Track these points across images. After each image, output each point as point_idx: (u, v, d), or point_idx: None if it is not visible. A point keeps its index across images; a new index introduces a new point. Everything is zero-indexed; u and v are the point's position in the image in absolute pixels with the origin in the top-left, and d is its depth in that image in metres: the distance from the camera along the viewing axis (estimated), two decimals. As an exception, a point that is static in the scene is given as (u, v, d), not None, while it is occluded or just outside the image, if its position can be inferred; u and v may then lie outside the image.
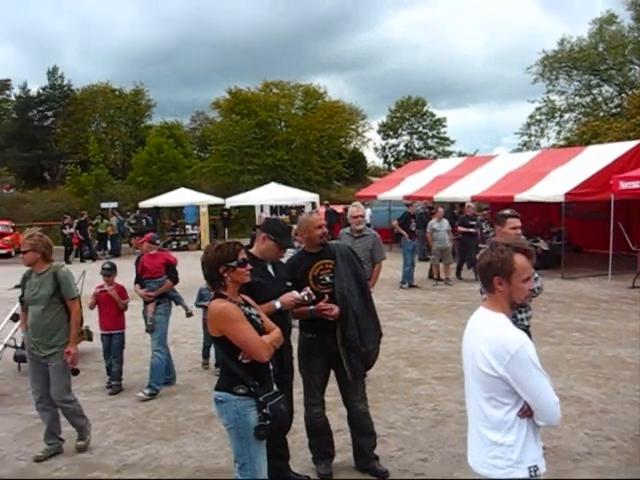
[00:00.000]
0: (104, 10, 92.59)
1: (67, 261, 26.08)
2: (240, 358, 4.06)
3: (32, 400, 6.50)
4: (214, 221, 32.63)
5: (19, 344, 9.25)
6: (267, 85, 49.91)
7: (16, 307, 9.49)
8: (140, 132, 50.29)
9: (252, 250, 5.06)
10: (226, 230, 32.15)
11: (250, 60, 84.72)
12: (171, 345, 8.84)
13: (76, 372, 6.34)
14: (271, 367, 4.21)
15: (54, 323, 6.14)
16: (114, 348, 8.52)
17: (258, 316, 4.23)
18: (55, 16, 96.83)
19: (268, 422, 4.02)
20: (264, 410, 4.02)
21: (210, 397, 7.88)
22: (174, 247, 29.75)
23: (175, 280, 8.61)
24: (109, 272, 8.61)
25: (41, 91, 51.42)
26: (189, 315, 9.31)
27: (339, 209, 28.81)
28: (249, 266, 4.23)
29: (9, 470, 6.18)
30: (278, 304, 4.85)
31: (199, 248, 30.07)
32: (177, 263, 8.74)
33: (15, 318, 9.25)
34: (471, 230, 17.72)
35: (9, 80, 54.54)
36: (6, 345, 8.91)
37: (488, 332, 3.09)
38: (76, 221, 27.99)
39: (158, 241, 8.77)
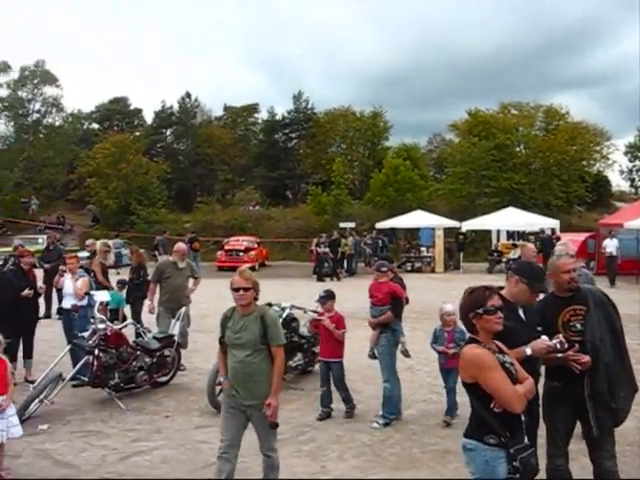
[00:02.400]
0: (342, 35, 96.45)
1: (319, 277, 27.39)
2: (492, 406, 3.93)
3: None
4: (449, 244, 32.39)
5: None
6: (504, 106, 48.84)
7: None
8: (377, 153, 51.35)
9: (503, 292, 4.89)
10: (461, 254, 31.77)
11: (486, 80, 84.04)
12: (406, 371, 8.79)
13: (275, 426, 5.65)
14: (523, 419, 4.03)
15: (260, 370, 5.56)
16: (335, 378, 8.50)
17: (512, 364, 4.07)
18: (299, 43, 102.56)
19: (518, 475, 3.85)
20: (514, 463, 3.86)
21: (445, 432, 7.90)
22: (408, 269, 30.01)
23: (397, 314, 8.39)
24: (324, 300, 8.63)
25: (286, 114, 54.51)
26: (406, 355, 8.77)
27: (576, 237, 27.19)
28: (499, 314, 4.08)
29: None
30: (529, 351, 4.64)
31: (433, 271, 30.06)
32: (404, 296, 8.56)
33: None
34: None
35: (257, 104, 58.78)
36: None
37: None
38: (327, 240, 28.96)
39: (384, 269, 8.60)
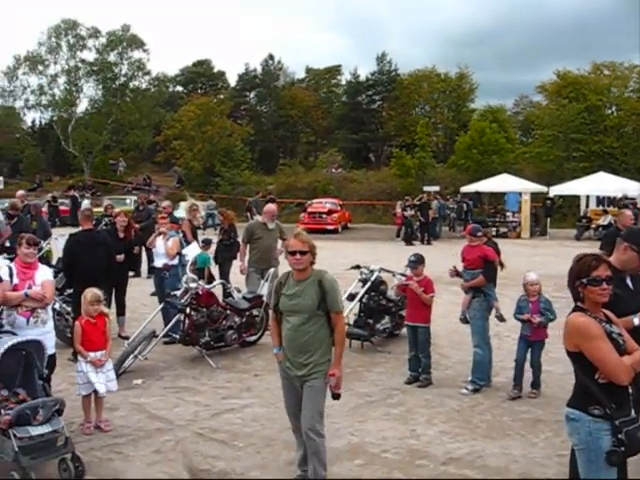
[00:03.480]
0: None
1: (409, 241, 26.97)
2: (596, 377, 3.79)
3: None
4: (536, 209, 31.58)
5: (351, 322, 9.79)
6: (597, 67, 46.90)
7: (353, 286, 10.02)
8: (462, 116, 50.38)
9: (611, 259, 4.68)
10: (548, 220, 30.94)
11: (578, 40, 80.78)
12: (494, 338, 8.63)
13: (337, 397, 5.32)
14: (630, 391, 3.88)
15: (316, 339, 5.21)
16: (420, 343, 8.39)
17: (620, 335, 3.90)
18: (382, 3, 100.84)
19: (622, 449, 3.71)
20: (619, 435, 3.71)
21: (537, 400, 7.74)
22: (493, 234, 29.39)
23: (489, 278, 8.18)
24: (414, 264, 8.48)
25: (369, 76, 53.88)
26: (501, 319, 8.51)
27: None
28: (604, 286, 3.91)
29: (342, 443, 6.48)
30: (637, 320, 4.45)
31: (518, 237, 29.42)
32: (497, 260, 8.33)
33: (351, 298, 9.76)
34: None
35: (340, 66, 58.40)
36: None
37: None
38: (417, 202, 28.48)
39: (479, 233, 8.42)
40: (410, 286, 8.40)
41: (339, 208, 34.45)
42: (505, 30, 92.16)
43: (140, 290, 13.91)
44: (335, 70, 58.72)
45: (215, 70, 62.52)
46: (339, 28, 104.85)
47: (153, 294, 12.77)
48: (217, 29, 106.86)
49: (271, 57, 57.11)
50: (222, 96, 55.56)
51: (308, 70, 60.09)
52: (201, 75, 61.54)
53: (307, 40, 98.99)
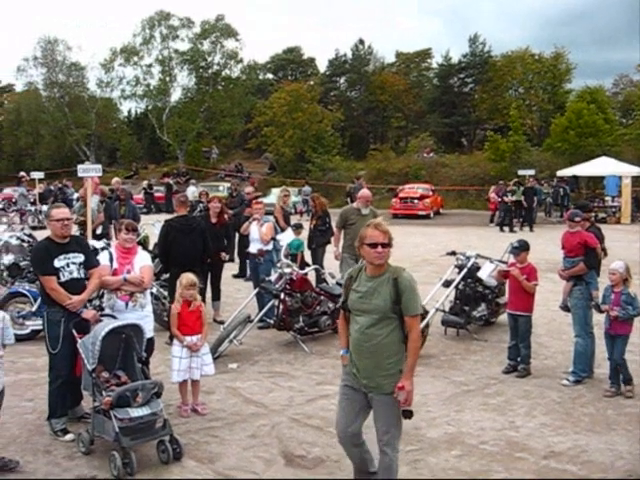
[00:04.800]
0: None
1: (510, 228, 26.13)
2: None
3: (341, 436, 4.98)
4: (636, 193, 30.27)
5: (447, 309, 9.62)
6: None
7: (448, 272, 9.81)
8: (558, 97, 48.71)
9: None
10: (650, 204, 29.62)
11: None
12: (596, 327, 8.27)
13: (409, 414, 4.65)
14: None
15: (386, 344, 4.64)
16: (520, 332, 8.09)
17: None
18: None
19: None
20: None
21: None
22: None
23: (590, 265, 7.79)
24: (518, 251, 8.16)
25: (462, 58, 52.81)
26: (598, 309, 7.81)
27: None
28: None
29: (439, 433, 6.34)
30: None
31: (618, 222, 28.26)
32: (598, 246, 7.93)
33: (447, 284, 9.57)
34: None
35: (430, 49, 57.59)
36: (437, 310, 9.22)
37: None
38: (522, 187, 27.37)
39: (577, 218, 8.02)
40: (512, 273, 8.13)
41: (431, 193, 33.97)
42: (602, 7, 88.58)
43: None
44: (425, 53, 57.91)
45: (305, 57, 62.77)
46: (429, 11, 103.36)
47: (247, 279, 12.93)
48: (307, 16, 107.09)
49: (361, 42, 56.72)
50: (312, 82, 55.59)
51: (398, 54, 59.44)
52: (291, 62, 61.97)
53: (397, 24, 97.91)
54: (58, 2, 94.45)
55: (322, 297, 9.68)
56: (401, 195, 33.30)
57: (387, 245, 4.61)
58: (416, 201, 32.39)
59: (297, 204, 33.46)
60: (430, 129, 49.45)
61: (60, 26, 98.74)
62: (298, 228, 11.98)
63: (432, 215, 32.39)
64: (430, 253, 17.53)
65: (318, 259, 12.40)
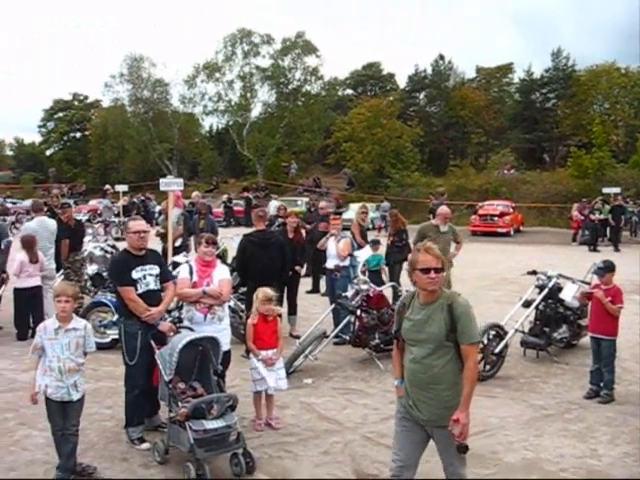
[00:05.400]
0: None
1: (593, 247, 25.18)
2: None
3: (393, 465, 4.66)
4: None
5: (526, 330, 9.37)
6: None
7: (529, 292, 9.58)
8: (645, 112, 47.27)
9: None
10: None
11: None
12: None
13: (464, 450, 4.35)
14: None
15: (443, 375, 4.40)
16: (604, 356, 7.80)
17: None
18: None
19: None
20: None
21: None
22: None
23: None
24: (603, 272, 7.85)
25: (544, 73, 51.83)
26: None
27: None
28: None
29: (516, 457, 6.15)
30: None
31: None
32: None
33: (527, 304, 9.34)
34: None
35: (511, 64, 56.68)
36: (516, 330, 9.01)
37: None
38: (608, 206, 26.65)
39: None
40: (596, 295, 7.85)
41: (511, 210, 33.36)
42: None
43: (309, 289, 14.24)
44: (507, 68, 57.05)
45: (384, 72, 62.88)
46: (510, 25, 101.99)
47: (323, 294, 12.95)
48: (387, 31, 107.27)
49: (441, 57, 56.41)
50: (392, 98, 55.49)
51: (478, 69, 58.83)
52: (371, 77, 62.21)
53: (477, 39, 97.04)
54: (145, 21, 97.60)
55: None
56: (480, 212, 32.87)
57: (440, 270, 4.39)
58: (496, 218, 31.92)
59: (375, 220, 33.40)
60: (511, 145, 48.68)
61: (146, 44, 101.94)
62: (376, 244, 11.95)
63: (512, 233, 31.77)
64: (510, 271, 17.18)
65: (395, 276, 12.29)
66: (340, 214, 25.65)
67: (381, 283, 10.87)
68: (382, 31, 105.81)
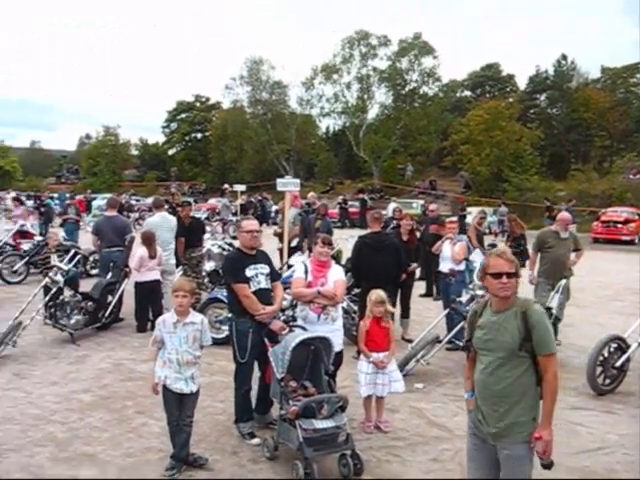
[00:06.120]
0: None
1: None
2: None
3: None
4: None
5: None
6: None
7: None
8: None
9: None
10: None
11: None
12: None
13: (549, 466, 4.04)
14: None
15: (517, 388, 4.10)
16: None
17: None
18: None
19: None
20: None
21: None
22: None
23: None
24: None
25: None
26: None
27: None
28: None
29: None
30: None
31: None
32: None
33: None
34: None
35: (639, 63, 54.01)
36: (640, 344, 8.56)
37: None
38: None
39: None
40: None
41: (637, 218, 31.86)
42: None
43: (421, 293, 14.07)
44: (634, 68, 54.54)
45: (504, 73, 61.46)
46: (637, 22, 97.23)
47: (436, 298, 12.79)
48: (506, 32, 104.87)
49: (564, 57, 54.75)
50: (511, 99, 54.23)
51: (604, 69, 56.56)
52: (489, 79, 61.01)
53: (603, 37, 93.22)
54: (265, 25, 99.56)
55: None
56: (603, 218, 31.60)
57: (513, 275, 4.13)
58: (620, 225, 30.64)
59: (492, 224, 32.73)
60: (637, 149, 46.45)
61: (265, 47, 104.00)
62: (493, 247, 11.68)
63: (637, 241, 30.37)
64: (634, 281, 16.39)
65: (512, 281, 11.96)
66: (464, 217, 25.33)
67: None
68: (501, 32, 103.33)
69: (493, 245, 11.90)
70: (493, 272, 4.15)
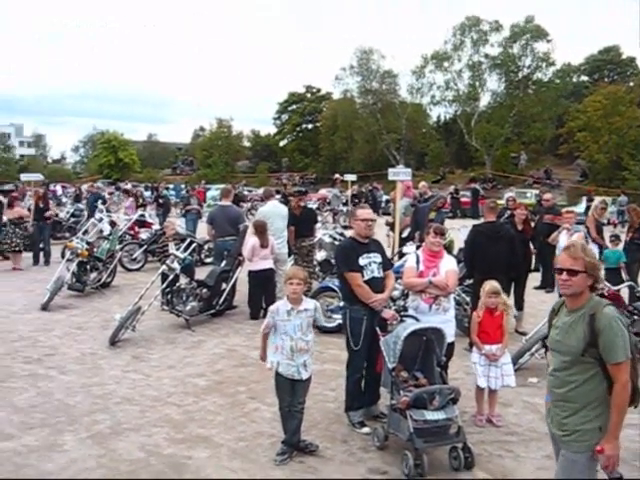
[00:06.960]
0: None
1: None
2: None
3: None
4: None
5: None
6: None
7: None
8: None
9: None
10: None
11: None
12: None
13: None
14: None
15: (580, 394, 3.80)
16: None
17: None
18: None
19: None
20: None
21: None
22: None
23: None
24: None
25: None
26: None
27: None
28: None
29: None
30: None
31: None
32: None
33: None
34: None
35: None
36: None
37: None
38: None
39: None
40: None
41: None
42: None
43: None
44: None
45: (624, 56, 58.66)
46: None
47: (549, 291, 12.44)
48: (626, 12, 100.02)
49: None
50: (632, 84, 51.75)
51: None
52: (608, 63, 58.38)
53: None
54: (376, 15, 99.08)
55: (635, 317, 8.91)
56: None
57: (577, 272, 3.77)
58: None
59: (611, 215, 31.42)
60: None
61: (375, 36, 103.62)
62: (615, 239, 11.28)
63: None
64: None
65: (633, 275, 11.47)
66: (588, 208, 24.53)
67: (621, 282, 10.19)
68: (621, 11, 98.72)
69: (616, 236, 11.47)
70: (557, 267, 3.92)
